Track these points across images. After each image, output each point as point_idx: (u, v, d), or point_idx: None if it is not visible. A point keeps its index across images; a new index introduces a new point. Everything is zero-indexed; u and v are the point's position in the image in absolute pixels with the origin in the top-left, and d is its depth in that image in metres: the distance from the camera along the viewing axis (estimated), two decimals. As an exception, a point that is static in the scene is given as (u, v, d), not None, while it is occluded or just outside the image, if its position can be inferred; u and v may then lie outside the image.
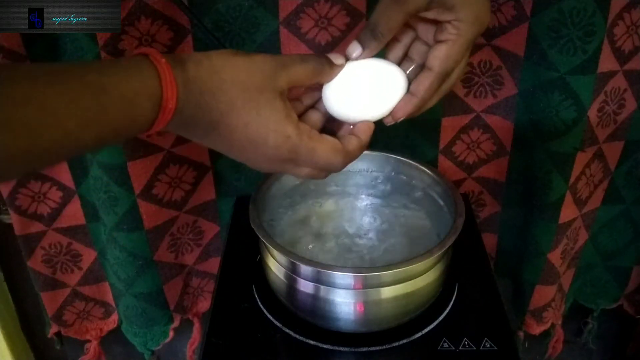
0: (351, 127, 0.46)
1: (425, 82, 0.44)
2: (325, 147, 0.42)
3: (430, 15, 0.42)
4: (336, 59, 0.44)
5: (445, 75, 0.44)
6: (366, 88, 0.44)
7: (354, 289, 0.50)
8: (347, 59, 0.44)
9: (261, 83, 0.39)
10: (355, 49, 0.44)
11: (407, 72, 0.46)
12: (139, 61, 0.35)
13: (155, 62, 0.35)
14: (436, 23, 0.43)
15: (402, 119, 0.46)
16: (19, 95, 0.29)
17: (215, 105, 0.38)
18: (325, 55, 0.44)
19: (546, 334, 0.84)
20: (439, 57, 0.43)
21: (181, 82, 0.36)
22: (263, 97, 0.39)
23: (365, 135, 0.45)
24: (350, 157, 0.44)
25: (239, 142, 0.40)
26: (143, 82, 0.34)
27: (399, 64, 0.46)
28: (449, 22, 0.42)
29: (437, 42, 0.43)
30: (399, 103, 0.45)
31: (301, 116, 0.45)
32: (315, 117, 0.46)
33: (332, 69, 0.44)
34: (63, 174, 0.71)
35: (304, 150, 0.41)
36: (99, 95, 0.32)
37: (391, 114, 0.45)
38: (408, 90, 0.45)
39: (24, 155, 0.30)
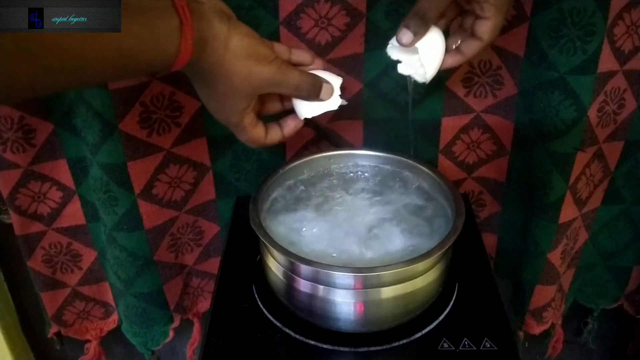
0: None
1: (475, 47, 0.53)
2: (250, 135, 0.53)
3: None
4: (326, 93, 0.53)
5: (489, 43, 0.53)
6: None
7: (354, 289, 0.50)
8: (400, 43, 0.52)
9: (248, 91, 0.49)
10: (406, 35, 0.51)
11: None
12: (173, 29, 0.42)
13: (182, 38, 0.42)
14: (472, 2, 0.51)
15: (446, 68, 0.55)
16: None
17: (206, 81, 0.48)
18: (321, 86, 0.53)
19: (546, 334, 0.84)
20: (487, 30, 0.51)
21: (194, 61, 0.44)
22: (237, 100, 0.49)
23: (289, 132, 0.56)
24: (265, 146, 0.55)
25: (205, 104, 0.52)
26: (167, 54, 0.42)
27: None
28: (486, 1, 0.50)
29: (480, 18, 0.51)
30: (447, 59, 0.54)
31: None
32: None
33: (316, 98, 0.53)
34: (63, 174, 0.71)
35: (237, 130, 0.53)
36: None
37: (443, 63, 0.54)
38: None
39: (64, 73, 0.37)
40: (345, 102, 0.56)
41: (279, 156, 0.72)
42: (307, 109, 0.55)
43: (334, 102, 0.55)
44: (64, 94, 0.64)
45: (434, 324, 0.56)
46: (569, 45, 0.59)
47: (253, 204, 0.55)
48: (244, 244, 0.65)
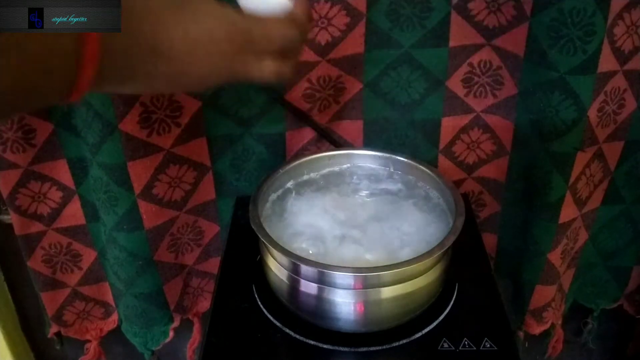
0: None
1: None
2: (274, 20, 0.41)
3: None
4: None
5: None
6: None
7: (354, 289, 0.50)
8: None
9: None
10: None
11: None
12: None
13: None
14: None
15: None
16: None
17: (145, 26, 0.36)
18: None
19: (546, 334, 0.84)
20: None
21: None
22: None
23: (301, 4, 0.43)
24: (301, 24, 0.43)
25: (186, 50, 0.37)
26: None
27: None
28: None
29: None
30: None
31: None
32: None
33: None
34: (63, 174, 0.71)
35: (257, 29, 0.40)
36: None
37: None
38: None
39: None
40: None
41: (279, 156, 0.72)
42: None
43: None
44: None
45: (434, 324, 0.56)
46: (569, 45, 0.59)
47: (253, 204, 0.55)
48: (244, 244, 0.65)
